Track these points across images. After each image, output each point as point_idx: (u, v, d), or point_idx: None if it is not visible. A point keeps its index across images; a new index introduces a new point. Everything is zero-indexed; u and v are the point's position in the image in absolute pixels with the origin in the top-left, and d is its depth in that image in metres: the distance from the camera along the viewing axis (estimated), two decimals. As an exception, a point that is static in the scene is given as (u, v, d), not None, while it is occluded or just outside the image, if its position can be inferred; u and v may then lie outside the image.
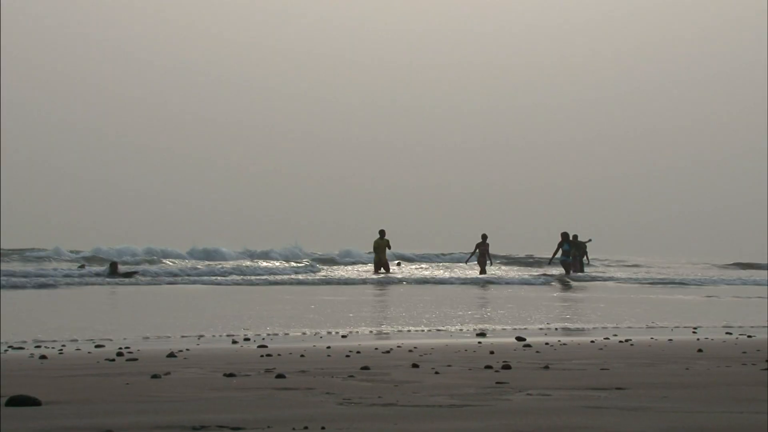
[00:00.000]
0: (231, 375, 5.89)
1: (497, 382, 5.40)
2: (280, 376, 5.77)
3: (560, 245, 37.67)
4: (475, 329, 12.52)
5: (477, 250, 41.07)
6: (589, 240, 39.36)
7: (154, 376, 5.80)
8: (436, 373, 6.06)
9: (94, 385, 5.44)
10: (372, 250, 38.22)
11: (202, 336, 10.47)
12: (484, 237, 41.07)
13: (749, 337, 10.71)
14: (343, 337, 11.04)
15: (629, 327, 13.12)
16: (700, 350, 8.26)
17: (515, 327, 13.14)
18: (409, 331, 12.34)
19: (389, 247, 37.59)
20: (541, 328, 12.85)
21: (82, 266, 35.22)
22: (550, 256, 38.02)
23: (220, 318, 13.99)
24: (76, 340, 10.06)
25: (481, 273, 39.57)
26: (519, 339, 9.85)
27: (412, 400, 4.62)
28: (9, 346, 9.01)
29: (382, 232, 37.69)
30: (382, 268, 37.08)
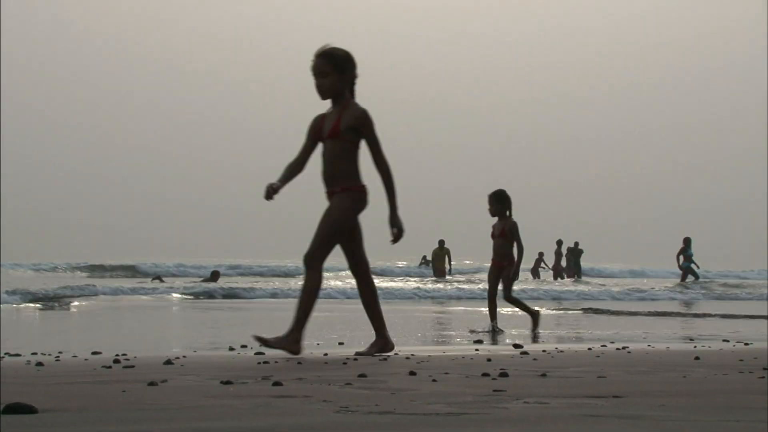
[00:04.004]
0: (228, 382, 5.88)
1: (494, 390, 5.39)
2: (277, 383, 5.76)
3: (682, 251, 36.77)
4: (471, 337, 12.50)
5: (556, 257, 40.74)
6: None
7: (151, 384, 5.78)
8: (434, 380, 6.05)
9: (90, 392, 5.42)
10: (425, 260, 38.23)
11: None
12: (559, 243, 40.66)
13: (746, 344, 10.71)
14: (339, 344, 11.04)
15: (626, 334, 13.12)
16: (697, 358, 8.26)
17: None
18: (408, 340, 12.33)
19: (450, 257, 37.37)
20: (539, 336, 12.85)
21: (157, 278, 36.12)
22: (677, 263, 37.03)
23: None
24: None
25: (558, 278, 39.20)
26: (516, 346, 9.85)
27: (409, 407, 4.61)
28: (6, 353, 8.99)
29: (441, 242, 37.55)
30: (439, 278, 37.00)
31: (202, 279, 35.73)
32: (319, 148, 8.27)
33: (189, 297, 26.09)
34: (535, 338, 12.53)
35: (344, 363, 7.60)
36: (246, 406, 4.70)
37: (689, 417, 4.34)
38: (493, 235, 14.43)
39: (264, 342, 8.17)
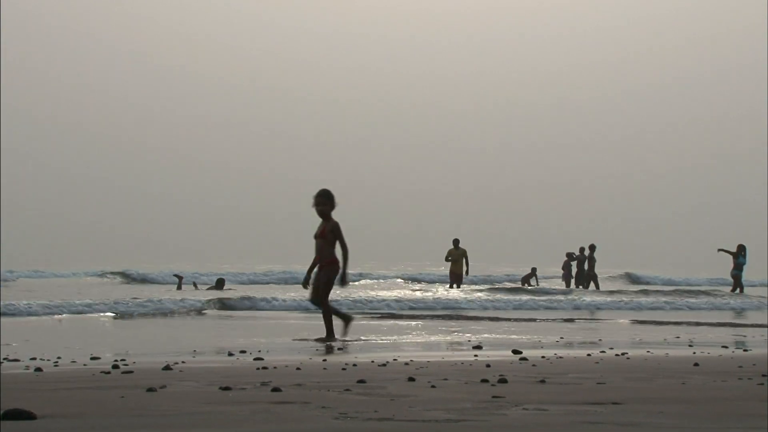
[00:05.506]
0: (227, 388, 5.87)
1: (494, 396, 5.39)
2: (275, 389, 5.76)
3: (735, 256, 36.21)
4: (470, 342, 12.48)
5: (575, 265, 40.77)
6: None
7: (150, 390, 5.78)
8: (433, 386, 6.04)
9: (89, 398, 5.42)
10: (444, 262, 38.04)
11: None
12: (592, 248, 40.80)
13: (745, 351, 10.71)
14: (339, 350, 11.03)
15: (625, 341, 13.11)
16: (696, 364, 8.25)
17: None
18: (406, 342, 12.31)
19: (467, 258, 37.14)
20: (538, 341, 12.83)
21: (180, 276, 36.23)
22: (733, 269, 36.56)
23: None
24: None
25: (594, 285, 39.33)
26: (515, 352, 9.84)
27: (408, 414, 4.61)
28: (5, 358, 8.98)
29: (456, 242, 37.47)
30: (455, 283, 36.89)
31: (208, 287, 35.79)
32: None
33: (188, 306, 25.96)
34: (330, 348, 11.47)
35: (343, 369, 7.60)
36: (245, 413, 4.70)
37: (688, 424, 4.34)
38: (315, 236, 13.33)
39: None
